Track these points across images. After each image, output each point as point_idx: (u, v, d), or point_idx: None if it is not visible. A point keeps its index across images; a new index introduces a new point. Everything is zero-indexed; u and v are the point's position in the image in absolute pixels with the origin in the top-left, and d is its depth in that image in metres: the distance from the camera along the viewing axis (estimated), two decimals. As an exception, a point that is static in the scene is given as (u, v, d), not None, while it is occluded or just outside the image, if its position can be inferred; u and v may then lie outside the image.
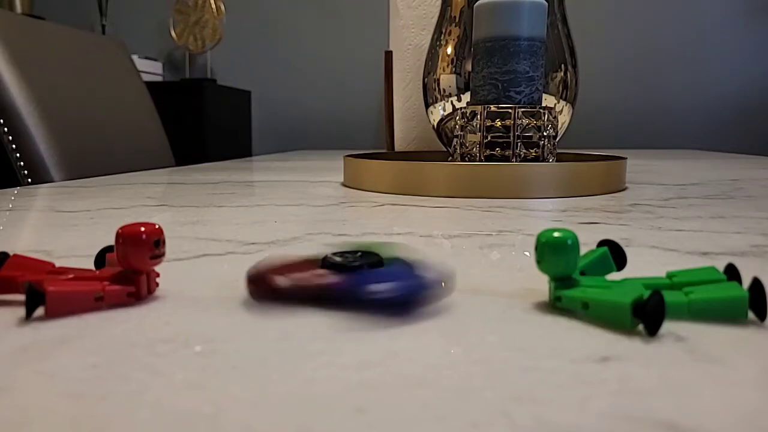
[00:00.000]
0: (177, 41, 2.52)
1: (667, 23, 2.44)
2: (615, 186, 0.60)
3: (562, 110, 0.72)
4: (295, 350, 0.18)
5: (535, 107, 0.58)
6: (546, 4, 0.59)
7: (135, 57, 2.15)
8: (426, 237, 0.36)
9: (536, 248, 0.22)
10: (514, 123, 0.57)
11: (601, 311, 0.20)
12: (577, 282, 0.22)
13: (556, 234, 0.21)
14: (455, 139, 0.61)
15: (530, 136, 0.58)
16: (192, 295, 0.24)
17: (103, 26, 2.55)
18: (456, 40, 0.73)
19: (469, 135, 0.59)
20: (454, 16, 0.73)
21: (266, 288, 0.23)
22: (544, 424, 0.14)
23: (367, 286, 0.22)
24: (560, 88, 0.71)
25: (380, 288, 0.21)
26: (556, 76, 0.71)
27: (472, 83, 0.62)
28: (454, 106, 0.73)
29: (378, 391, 0.15)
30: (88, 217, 0.44)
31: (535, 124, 0.58)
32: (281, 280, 0.22)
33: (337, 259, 0.23)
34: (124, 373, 0.16)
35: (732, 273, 0.22)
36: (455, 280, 0.26)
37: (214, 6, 2.49)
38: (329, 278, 0.22)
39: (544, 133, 0.58)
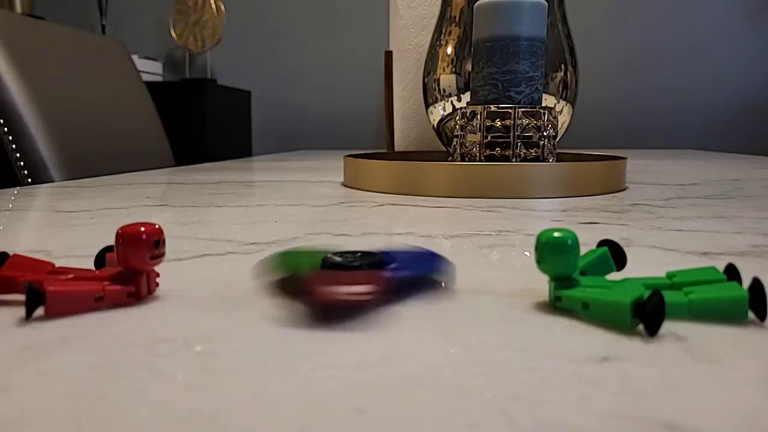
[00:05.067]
0: (177, 41, 2.52)
1: (667, 23, 2.44)
2: (615, 186, 0.60)
3: (562, 110, 0.72)
4: (295, 350, 0.18)
5: (535, 107, 0.58)
6: (546, 4, 0.59)
7: (135, 57, 2.15)
8: (426, 237, 0.36)
9: (536, 248, 0.22)
10: (514, 123, 0.57)
11: (601, 311, 0.20)
12: (577, 282, 0.22)
13: (556, 234, 0.21)
14: (455, 139, 0.61)
15: (530, 136, 0.58)
16: (192, 295, 0.24)
17: (103, 26, 2.55)
18: (456, 40, 0.73)
19: (469, 135, 0.59)
20: (454, 16, 0.73)
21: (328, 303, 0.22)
22: (544, 424, 0.14)
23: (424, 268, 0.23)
24: (560, 88, 0.71)
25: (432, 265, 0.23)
26: (556, 76, 0.71)
27: (472, 83, 0.62)
28: (454, 106, 0.73)
29: (377, 391, 0.15)
30: (88, 217, 0.44)
31: (535, 124, 0.58)
32: (343, 295, 0.21)
33: (337, 259, 0.23)
34: (124, 373, 0.16)
35: (732, 273, 0.22)
36: (455, 278, 0.26)
37: (214, 6, 2.49)
38: (380, 276, 0.22)
39: (544, 133, 0.58)
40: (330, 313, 0.21)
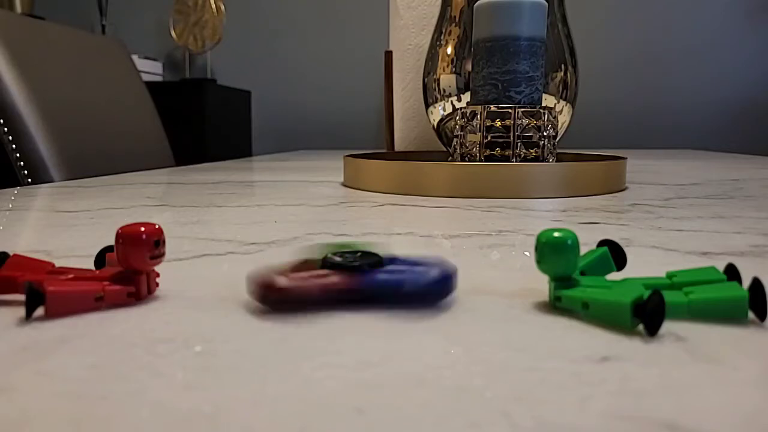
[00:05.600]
0: (177, 41, 2.52)
1: (667, 23, 2.44)
2: (615, 186, 0.60)
3: (562, 110, 0.72)
4: (295, 350, 0.18)
5: (535, 107, 0.58)
6: (546, 4, 0.59)
7: (135, 57, 2.15)
8: (426, 237, 0.36)
9: (536, 248, 0.22)
10: (514, 123, 0.57)
11: (601, 311, 0.20)
12: (577, 282, 0.22)
13: (556, 234, 0.21)
14: (455, 139, 0.61)
15: (530, 136, 0.58)
16: (192, 295, 0.24)
17: (103, 26, 2.55)
18: (456, 40, 0.73)
19: (469, 135, 0.59)
20: (454, 16, 0.73)
21: (294, 294, 0.22)
22: (544, 424, 0.14)
23: (405, 280, 0.22)
24: (560, 88, 0.71)
25: (422, 279, 0.22)
26: (556, 76, 0.71)
27: (472, 83, 0.62)
28: (454, 106, 0.73)
29: (378, 391, 0.15)
30: (88, 217, 0.44)
31: (535, 124, 0.58)
32: (308, 284, 0.22)
33: (337, 259, 0.23)
34: (124, 373, 0.16)
35: (732, 273, 0.22)
36: (456, 279, 0.26)
37: (214, 6, 2.49)
38: (350, 279, 0.22)
39: (544, 133, 0.58)
40: (272, 301, 0.22)
